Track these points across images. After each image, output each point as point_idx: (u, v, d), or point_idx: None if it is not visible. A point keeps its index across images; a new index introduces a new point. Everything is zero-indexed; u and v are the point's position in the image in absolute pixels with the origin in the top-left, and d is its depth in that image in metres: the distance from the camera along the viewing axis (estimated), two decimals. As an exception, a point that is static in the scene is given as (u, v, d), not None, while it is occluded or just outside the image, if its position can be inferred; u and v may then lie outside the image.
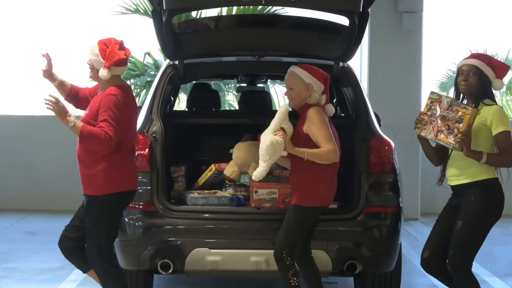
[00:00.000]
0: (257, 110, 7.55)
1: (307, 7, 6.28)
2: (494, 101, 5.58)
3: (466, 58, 5.61)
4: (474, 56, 5.64)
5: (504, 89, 20.49)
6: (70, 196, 11.60)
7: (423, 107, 5.70)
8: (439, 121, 5.50)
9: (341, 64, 6.54)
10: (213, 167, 6.35)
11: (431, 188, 11.84)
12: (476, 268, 8.15)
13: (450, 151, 5.59)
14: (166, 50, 6.48)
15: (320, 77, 5.75)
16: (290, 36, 6.54)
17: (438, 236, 5.63)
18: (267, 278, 7.24)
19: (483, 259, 8.63)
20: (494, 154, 5.41)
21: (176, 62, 6.49)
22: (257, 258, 5.83)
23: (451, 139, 5.42)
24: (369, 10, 6.17)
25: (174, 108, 8.05)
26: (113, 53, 5.55)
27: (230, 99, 15.64)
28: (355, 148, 6.09)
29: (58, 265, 7.99)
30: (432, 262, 5.65)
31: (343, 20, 6.34)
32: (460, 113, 5.41)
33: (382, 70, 11.32)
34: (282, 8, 11.75)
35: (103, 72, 5.52)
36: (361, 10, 5.99)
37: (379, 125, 6.50)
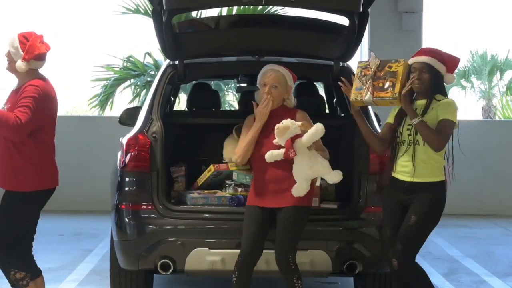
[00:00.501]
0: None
1: (307, 7, 6.29)
2: (446, 95, 5.62)
3: (417, 55, 5.61)
4: (424, 52, 5.63)
5: (504, 89, 20.50)
6: (71, 195, 11.64)
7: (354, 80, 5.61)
8: (372, 81, 5.49)
9: (341, 64, 6.54)
10: (212, 167, 6.35)
11: (431, 188, 11.89)
12: (476, 268, 8.17)
13: (398, 145, 5.58)
14: (166, 50, 6.48)
15: (295, 80, 5.87)
16: (290, 36, 6.54)
17: (395, 230, 5.60)
18: (267, 278, 7.24)
19: (483, 259, 8.64)
20: (428, 127, 5.42)
21: (176, 62, 6.49)
22: (257, 258, 5.82)
23: (389, 93, 5.43)
24: (369, 10, 6.17)
25: (174, 108, 8.05)
26: (33, 47, 5.51)
27: (230, 99, 15.65)
28: (355, 148, 6.09)
29: (58, 265, 7.99)
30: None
31: (343, 20, 6.34)
32: (392, 68, 5.44)
33: (382, 70, 11.31)
34: (282, 8, 11.76)
35: (21, 65, 5.49)
36: (361, 10, 5.99)
37: (379, 125, 6.50)
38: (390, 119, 5.68)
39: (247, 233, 5.61)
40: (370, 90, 5.49)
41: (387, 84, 5.46)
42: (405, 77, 5.47)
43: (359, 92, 5.55)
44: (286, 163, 5.60)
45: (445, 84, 5.65)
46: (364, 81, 5.54)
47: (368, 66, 5.57)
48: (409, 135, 5.55)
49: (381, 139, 5.67)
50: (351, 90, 5.59)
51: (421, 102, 5.57)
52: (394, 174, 5.62)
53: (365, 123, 5.65)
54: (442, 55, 5.61)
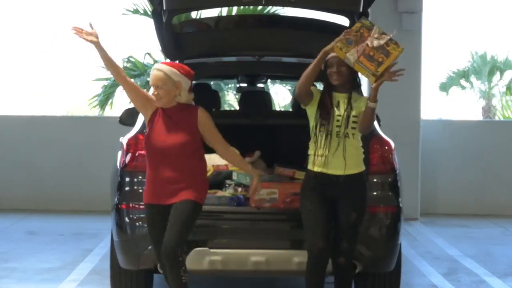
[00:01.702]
0: (257, 110, 7.55)
1: (307, 7, 6.29)
2: (361, 92, 5.72)
3: None
4: None
5: (504, 89, 20.51)
6: (70, 196, 11.66)
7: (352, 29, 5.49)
8: (366, 46, 5.44)
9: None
10: (211, 168, 6.35)
11: (431, 188, 11.91)
12: (476, 268, 8.17)
13: (324, 137, 5.56)
14: (166, 50, 6.49)
15: (187, 74, 5.59)
16: (290, 36, 6.55)
17: (327, 229, 5.57)
18: (267, 278, 7.25)
19: (483, 259, 8.64)
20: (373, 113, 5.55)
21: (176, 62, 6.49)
22: (257, 258, 5.83)
23: (373, 66, 5.42)
24: (369, 10, 6.18)
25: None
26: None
27: (230, 99, 15.66)
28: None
29: (58, 265, 8.00)
30: (327, 254, 5.59)
31: (343, 20, 6.34)
32: (389, 48, 5.45)
33: (382, 70, 11.31)
34: (282, 8, 11.77)
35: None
36: (361, 10, 6.00)
37: (379, 125, 6.50)
38: (317, 93, 5.66)
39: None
40: (359, 51, 5.44)
41: (375, 58, 5.44)
42: (393, 62, 5.47)
43: (346, 46, 5.45)
44: (180, 163, 5.53)
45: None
46: (357, 39, 5.48)
47: (370, 28, 5.50)
48: (338, 126, 5.58)
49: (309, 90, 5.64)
50: (340, 36, 5.48)
51: (340, 95, 5.61)
52: (323, 169, 5.59)
53: (319, 65, 5.53)
54: None
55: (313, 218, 5.57)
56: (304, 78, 5.51)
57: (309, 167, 5.67)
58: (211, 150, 6.61)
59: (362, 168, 5.67)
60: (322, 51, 5.45)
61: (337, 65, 5.54)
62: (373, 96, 5.54)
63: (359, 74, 5.65)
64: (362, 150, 5.70)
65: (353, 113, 5.58)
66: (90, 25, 5.40)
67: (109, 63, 5.48)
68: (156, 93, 5.51)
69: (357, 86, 5.69)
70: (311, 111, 5.65)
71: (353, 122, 5.58)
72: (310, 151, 5.67)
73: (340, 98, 5.61)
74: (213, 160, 6.39)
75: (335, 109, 5.59)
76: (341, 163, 5.57)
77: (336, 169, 5.59)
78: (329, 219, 5.60)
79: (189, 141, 5.52)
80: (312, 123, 5.64)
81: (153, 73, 5.52)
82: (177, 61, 6.50)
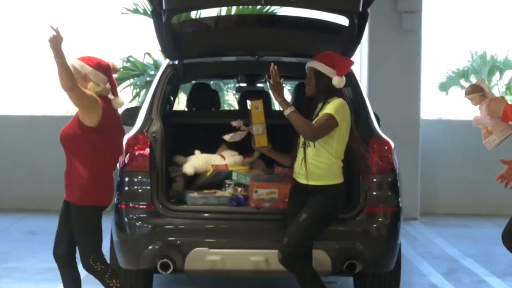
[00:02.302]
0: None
1: (307, 7, 6.29)
2: (341, 96, 5.68)
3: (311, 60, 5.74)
4: (315, 57, 5.73)
5: (503, 89, 20.50)
6: (70, 196, 11.65)
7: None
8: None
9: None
10: (210, 168, 6.36)
11: (430, 188, 11.90)
12: (476, 268, 8.17)
13: (300, 146, 5.66)
14: (166, 50, 6.48)
15: (96, 66, 5.50)
16: (290, 36, 6.55)
17: None
18: (267, 278, 7.25)
19: (483, 259, 8.64)
20: (300, 117, 5.54)
21: (176, 62, 6.49)
22: (257, 257, 5.83)
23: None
24: (368, 10, 6.17)
25: (174, 108, 8.05)
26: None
27: (230, 99, 15.64)
28: (354, 148, 6.08)
29: (58, 265, 8.00)
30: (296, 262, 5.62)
31: (343, 20, 6.34)
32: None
33: (382, 70, 11.33)
34: (280, 8, 11.76)
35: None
36: (360, 10, 5.99)
37: (379, 125, 6.50)
38: None
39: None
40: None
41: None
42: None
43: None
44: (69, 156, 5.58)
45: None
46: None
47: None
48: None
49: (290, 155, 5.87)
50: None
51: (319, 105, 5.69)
52: (294, 176, 5.73)
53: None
54: (333, 58, 5.67)
55: (287, 226, 5.70)
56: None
57: None
58: (211, 150, 6.62)
59: (329, 181, 5.64)
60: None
61: (308, 77, 5.69)
62: (283, 106, 5.59)
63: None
64: (337, 163, 5.68)
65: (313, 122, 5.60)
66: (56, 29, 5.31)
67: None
68: None
69: (334, 93, 5.67)
70: None
71: None
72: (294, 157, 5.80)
73: (318, 108, 5.69)
74: (213, 160, 6.39)
75: None
76: (304, 172, 5.62)
77: (301, 178, 5.68)
78: None
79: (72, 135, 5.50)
80: None
81: None
82: (176, 61, 6.50)
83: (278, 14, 11.44)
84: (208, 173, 6.37)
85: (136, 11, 13.38)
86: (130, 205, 5.88)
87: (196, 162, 6.37)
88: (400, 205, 6.06)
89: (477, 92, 5.11)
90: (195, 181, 6.51)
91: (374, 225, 5.93)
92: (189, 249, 5.81)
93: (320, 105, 5.70)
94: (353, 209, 5.96)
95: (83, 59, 5.54)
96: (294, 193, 5.77)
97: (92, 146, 5.44)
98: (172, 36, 6.26)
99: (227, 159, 6.39)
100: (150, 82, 12.63)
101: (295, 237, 5.55)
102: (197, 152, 6.48)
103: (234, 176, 6.29)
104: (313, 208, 5.58)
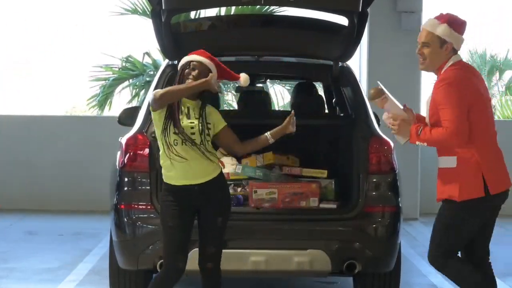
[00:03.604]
0: (256, 110, 7.55)
1: (307, 7, 6.29)
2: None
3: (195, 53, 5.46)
4: (200, 52, 5.45)
5: (503, 89, 20.49)
6: (70, 195, 11.65)
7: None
8: None
9: (340, 64, 6.54)
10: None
11: (430, 188, 11.86)
12: (476, 268, 8.15)
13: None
14: (165, 50, 6.48)
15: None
16: (289, 36, 6.54)
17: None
18: (267, 278, 7.24)
19: (482, 259, 8.63)
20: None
21: (175, 62, 6.49)
22: (257, 258, 5.82)
23: None
24: (368, 10, 6.17)
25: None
26: None
27: (230, 99, 15.64)
28: (354, 148, 6.09)
29: (58, 265, 7.99)
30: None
31: (343, 20, 6.34)
32: None
33: (381, 70, 11.32)
34: (278, 8, 11.77)
35: None
36: (360, 10, 5.99)
37: (378, 125, 6.50)
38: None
39: None
40: None
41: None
42: None
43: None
44: None
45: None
46: None
47: None
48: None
49: None
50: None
51: (190, 102, 5.46)
52: (179, 181, 5.37)
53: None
54: (213, 58, 5.44)
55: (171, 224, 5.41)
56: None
57: None
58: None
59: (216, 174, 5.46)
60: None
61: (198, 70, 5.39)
62: None
63: None
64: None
65: None
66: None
67: None
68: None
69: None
70: None
71: None
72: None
73: (190, 104, 5.50)
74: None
75: None
76: (200, 172, 5.39)
77: (185, 180, 5.39)
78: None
79: None
80: None
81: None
82: (175, 61, 6.50)
83: (277, 14, 11.45)
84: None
85: (135, 11, 13.39)
86: (130, 205, 5.87)
87: None
88: (400, 205, 6.06)
89: (379, 96, 5.33)
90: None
91: (374, 225, 5.93)
92: (189, 249, 5.80)
93: (194, 102, 5.46)
94: (352, 209, 5.96)
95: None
96: (183, 200, 5.43)
97: None
98: (171, 36, 6.26)
99: (227, 168, 6.30)
100: (149, 82, 12.64)
101: (221, 244, 5.48)
102: None
103: (238, 170, 6.26)
104: (225, 208, 5.47)
